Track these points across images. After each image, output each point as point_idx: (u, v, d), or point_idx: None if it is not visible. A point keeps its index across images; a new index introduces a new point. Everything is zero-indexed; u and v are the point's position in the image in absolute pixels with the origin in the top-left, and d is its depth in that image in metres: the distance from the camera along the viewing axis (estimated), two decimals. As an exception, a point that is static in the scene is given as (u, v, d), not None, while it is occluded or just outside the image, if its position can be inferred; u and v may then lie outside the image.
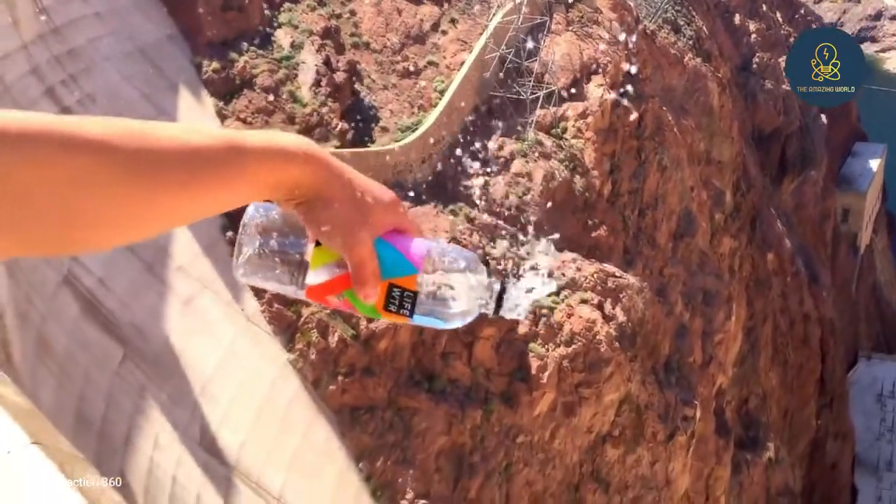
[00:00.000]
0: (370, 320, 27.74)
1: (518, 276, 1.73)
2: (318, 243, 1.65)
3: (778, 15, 74.35)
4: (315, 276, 1.67)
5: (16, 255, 1.40)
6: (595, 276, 36.18)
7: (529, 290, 1.75)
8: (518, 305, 1.73)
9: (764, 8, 70.57)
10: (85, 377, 21.30)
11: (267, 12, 35.12)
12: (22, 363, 17.96)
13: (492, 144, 37.25)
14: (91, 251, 1.42)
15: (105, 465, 20.02)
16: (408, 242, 1.68)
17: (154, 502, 21.08)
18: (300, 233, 1.66)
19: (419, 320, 1.71)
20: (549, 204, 37.23)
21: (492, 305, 1.72)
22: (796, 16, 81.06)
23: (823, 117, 72.39)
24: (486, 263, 1.71)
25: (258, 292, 27.76)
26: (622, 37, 43.50)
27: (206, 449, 23.81)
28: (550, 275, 1.70)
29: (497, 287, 1.72)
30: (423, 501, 29.16)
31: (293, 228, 1.66)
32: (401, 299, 1.67)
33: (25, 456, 2.04)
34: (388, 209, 1.65)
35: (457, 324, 1.74)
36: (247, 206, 1.67)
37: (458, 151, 36.29)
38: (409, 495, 29.02)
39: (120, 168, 1.35)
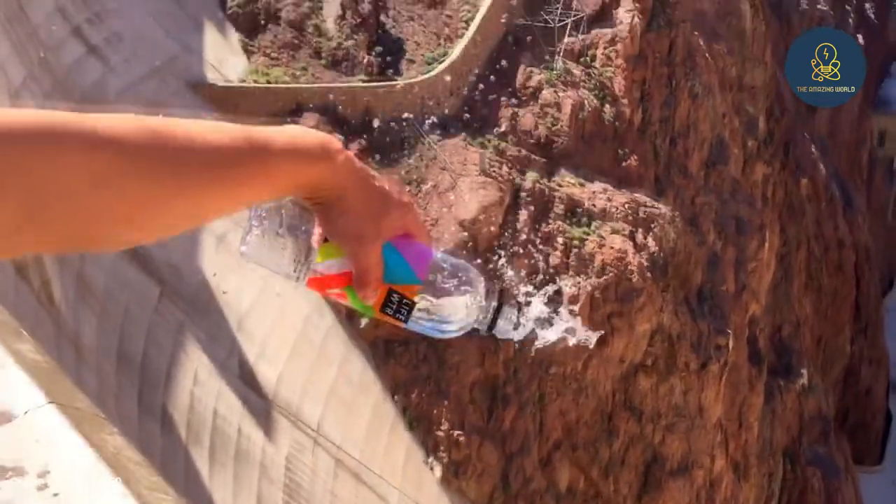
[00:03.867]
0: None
1: (527, 303, 1.74)
2: (326, 238, 1.66)
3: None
4: (319, 268, 1.70)
5: (33, 251, 1.38)
6: (626, 205, 35.95)
7: (537, 319, 1.74)
8: (517, 326, 1.73)
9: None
10: (125, 315, 21.71)
11: (290, -55, 34.62)
12: (63, 302, 18.32)
13: (520, 75, 36.77)
14: (109, 249, 1.42)
15: (147, 400, 20.51)
16: (415, 251, 1.69)
17: (197, 435, 21.59)
18: (310, 221, 1.67)
19: (413, 326, 1.72)
20: (579, 134, 36.85)
21: (486, 324, 1.72)
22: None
23: (860, 37, 70.43)
24: (493, 281, 1.71)
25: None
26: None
27: (245, 382, 24.30)
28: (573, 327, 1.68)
29: (493, 305, 1.72)
30: (459, 432, 29.61)
31: (303, 216, 1.67)
32: (398, 305, 1.69)
33: (42, 415, 2.08)
34: (402, 214, 1.65)
35: (450, 336, 1.75)
36: None
37: (486, 82, 35.87)
38: (445, 426, 29.47)
39: (139, 168, 1.34)
